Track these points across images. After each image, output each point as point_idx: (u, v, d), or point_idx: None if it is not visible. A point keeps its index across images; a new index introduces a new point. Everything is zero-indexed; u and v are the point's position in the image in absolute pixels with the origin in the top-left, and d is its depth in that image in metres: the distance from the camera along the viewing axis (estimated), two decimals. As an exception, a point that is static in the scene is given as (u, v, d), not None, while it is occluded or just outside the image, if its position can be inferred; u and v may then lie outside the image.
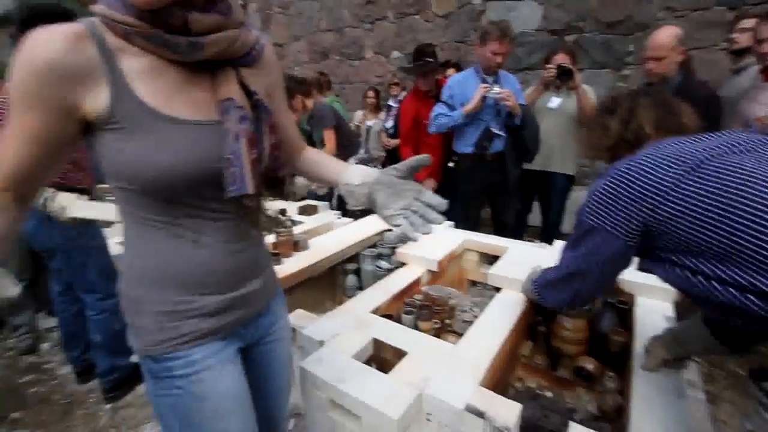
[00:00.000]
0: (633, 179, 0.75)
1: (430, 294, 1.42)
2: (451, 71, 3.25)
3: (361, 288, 1.79)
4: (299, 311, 1.33)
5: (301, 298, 1.55)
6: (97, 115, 0.54)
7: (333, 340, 1.11)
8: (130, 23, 0.53)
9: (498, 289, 1.41)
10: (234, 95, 0.59)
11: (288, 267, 1.51)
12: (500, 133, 2.30)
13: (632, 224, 0.75)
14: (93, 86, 0.53)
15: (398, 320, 1.27)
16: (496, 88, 2.17)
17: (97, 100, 0.53)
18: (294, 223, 2.19)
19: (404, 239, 0.65)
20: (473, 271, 1.83)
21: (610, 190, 0.78)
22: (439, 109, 2.37)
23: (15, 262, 2.22)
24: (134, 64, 0.55)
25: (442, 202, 0.66)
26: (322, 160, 0.82)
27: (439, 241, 1.75)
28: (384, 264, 1.76)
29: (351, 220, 2.21)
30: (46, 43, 0.50)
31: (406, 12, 4.23)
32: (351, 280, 1.81)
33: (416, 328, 1.26)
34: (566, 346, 1.26)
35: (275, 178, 0.67)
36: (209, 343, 0.66)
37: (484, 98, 2.20)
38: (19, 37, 1.49)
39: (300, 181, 2.82)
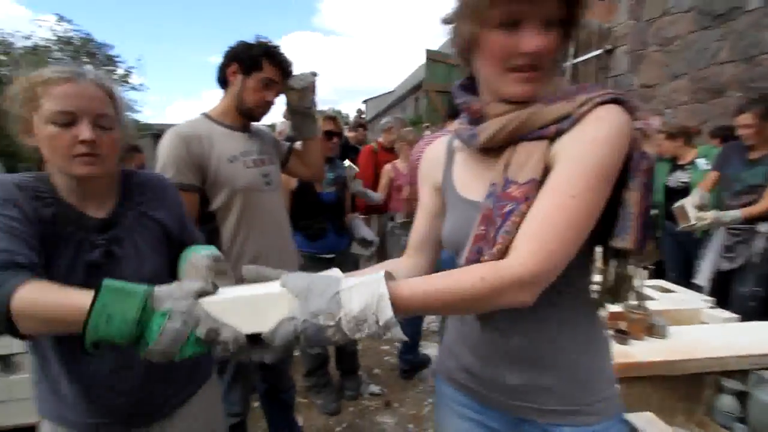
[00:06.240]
0: None
1: None
2: None
3: (743, 421, 1.24)
4: (649, 415, 1.08)
5: (648, 395, 1.26)
6: (439, 191, 0.75)
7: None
8: (455, 129, 0.70)
9: None
10: (496, 173, 0.63)
11: (638, 353, 1.26)
12: None
13: None
14: (438, 172, 0.75)
15: None
16: None
17: (439, 182, 0.75)
18: (641, 297, 1.83)
19: None
20: None
21: None
22: None
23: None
24: (460, 157, 0.73)
25: None
26: None
27: None
28: (804, 407, 1.14)
29: (736, 316, 1.60)
30: (426, 147, 0.81)
31: None
32: (727, 403, 1.29)
33: None
34: None
35: None
36: (460, 395, 0.73)
37: None
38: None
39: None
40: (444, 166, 0.74)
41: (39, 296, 0.57)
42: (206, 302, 0.51)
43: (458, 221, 0.66)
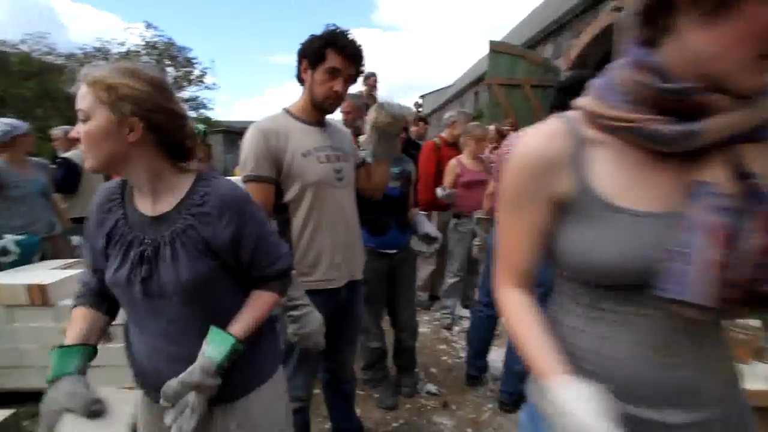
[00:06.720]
0: None
1: None
2: None
3: None
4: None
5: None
6: (561, 202, 0.58)
7: None
8: (614, 117, 0.52)
9: None
10: (715, 177, 0.48)
11: (746, 380, 1.09)
12: None
13: None
14: (561, 177, 0.57)
15: None
16: None
17: (562, 189, 0.57)
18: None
19: None
20: None
21: None
22: None
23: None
24: (601, 153, 0.56)
25: None
26: None
27: None
28: None
29: None
30: (528, 142, 0.60)
31: None
32: None
33: None
34: None
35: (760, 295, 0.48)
36: None
37: None
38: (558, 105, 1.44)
39: None
40: (570, 167, 0.57)
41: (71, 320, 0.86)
42: (67, 418, 0.70)
43: (635, 241, 0.52)
